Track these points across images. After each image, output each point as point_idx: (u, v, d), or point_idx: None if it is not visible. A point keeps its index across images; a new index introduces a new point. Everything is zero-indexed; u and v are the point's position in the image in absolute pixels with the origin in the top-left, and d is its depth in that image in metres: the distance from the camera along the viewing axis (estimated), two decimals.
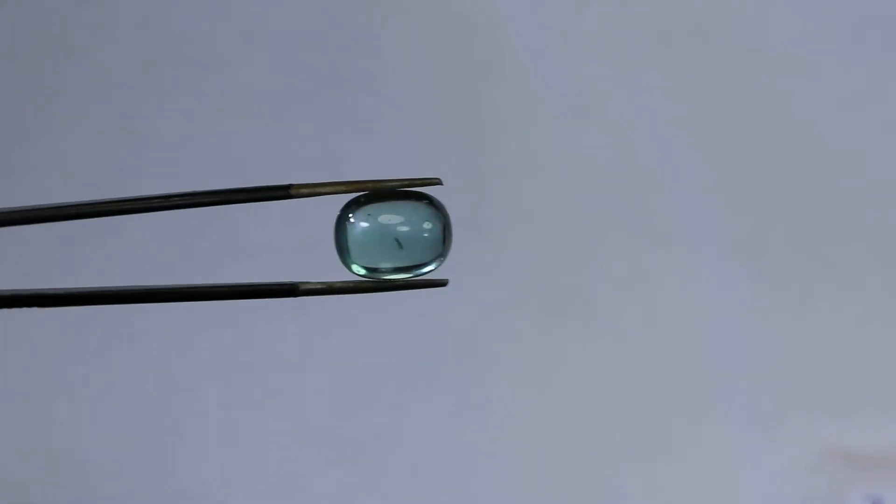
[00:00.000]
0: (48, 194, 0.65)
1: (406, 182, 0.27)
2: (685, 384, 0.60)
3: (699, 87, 0.64)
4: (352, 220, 0.26)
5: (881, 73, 0.63)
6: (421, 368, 0.61)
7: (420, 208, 0.27)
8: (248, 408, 0.60)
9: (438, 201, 0.27)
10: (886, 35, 0.63)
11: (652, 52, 0.64)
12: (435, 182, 0.27)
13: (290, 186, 0.27)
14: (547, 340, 0.62)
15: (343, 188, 0.27)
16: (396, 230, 0.26)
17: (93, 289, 0.25)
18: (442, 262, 0.27)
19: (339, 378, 0.60)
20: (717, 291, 0.62)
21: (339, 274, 0.27)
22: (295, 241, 0.57)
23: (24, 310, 0.25)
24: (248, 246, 0.59)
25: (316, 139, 0.65)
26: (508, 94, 0.65)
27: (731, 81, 0.64)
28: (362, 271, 0.27)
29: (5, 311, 0.25)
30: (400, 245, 0.26)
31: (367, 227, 0.26)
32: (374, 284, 0.27)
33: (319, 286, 0.26)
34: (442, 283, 0.27)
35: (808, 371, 0.60)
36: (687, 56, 0.64)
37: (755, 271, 0.61)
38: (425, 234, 0.26)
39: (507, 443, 0.61)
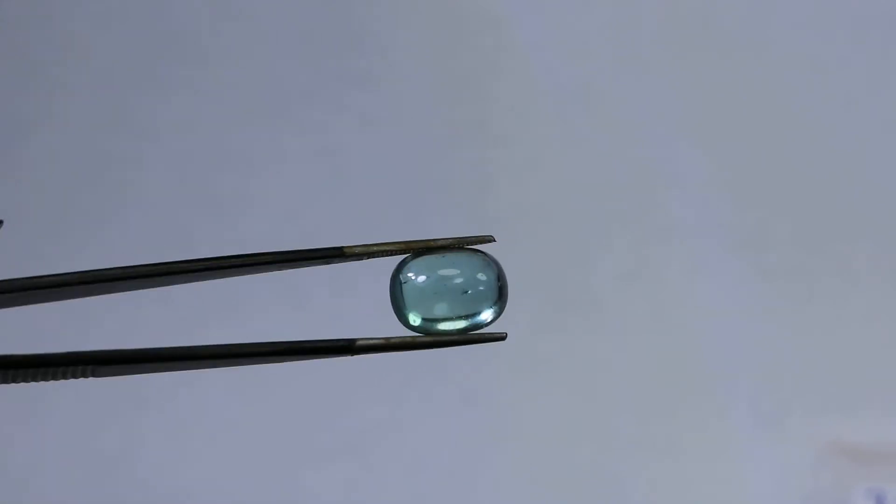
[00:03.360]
0: (47, 192, 0.65)
1: (458, 240, 0.27)
2: (688, 380, 0.60)
3: (703, 82, 0.64)
4: (408, 276, 0.27)
5: (886, 69, 0.64)
6: (422, 362, 0.60)
7: (473, 259, 0.27)
8: (245, 402, 0.59)
9: (489, 255, 0.27)
10: (890, 31, 0.64)
11: (656, 47, 0.65)
12: (488, 240, 0.27)
13: (342, 249, 0.27)
14: (550, 335, 0.61)
15: (394, 248, 0.27)
16: (452, 282, 0.27)
17: (146, 350, 0.25)
18: (498, 312, 0.27)
19: (339, 371, 0.59)
20: (721, 287, 0.62)
21: (394, 329, 0.27)
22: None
23: None
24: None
25: (317, 133, 0.65)
26: (511, 89, 0.65)
27: (735, 77, 0.64)
28: (419, 321, 0.27)
29: None
30: (447, 294, 0.27)
31: (424, 280, 0.27)
32: (430, 340, 0.27)
33: (377, 342, 0.26)
34: (501, 338, 0.27)
35: (811, 366, 0.60)
36: (691, 51, 0.64)
37: (759, 267, 0.61)
38: (480, 285, 0.27)
39: (509, 437, 0.60)
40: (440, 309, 0.27)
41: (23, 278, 0.26)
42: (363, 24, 0.66)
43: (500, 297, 0.27)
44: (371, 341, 0.26)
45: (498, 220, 0.63)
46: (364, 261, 0.27)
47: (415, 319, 0.27)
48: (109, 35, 0.66)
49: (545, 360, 0.62)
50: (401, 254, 0.27)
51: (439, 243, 0.27)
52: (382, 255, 0.27)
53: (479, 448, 0.60)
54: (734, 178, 0.63)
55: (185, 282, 0.26)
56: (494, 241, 0.27)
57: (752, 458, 0.58)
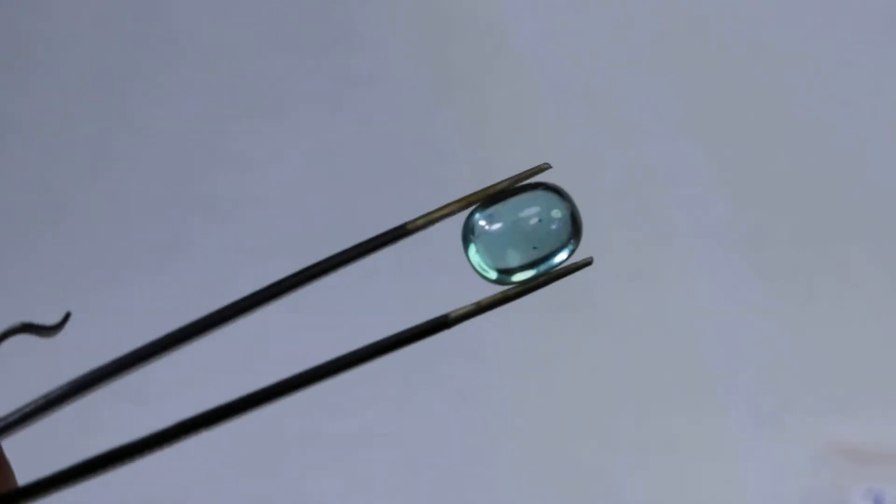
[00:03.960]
0: (48, 191, 0.66)
1: (515, 178, 0.26)
2: (687, 379, 0.60)
3: (702, 82, 0.63)
4: (480, 228, 0.26)
5: (884, 70, 0.62)
6: (419, 363, 0.60)
7: (540, 197, 0.26)
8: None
9: (557, 186, 0.26)
10: (888, 31, 0.62)
11: (655, 47, 0.64)
12: (544, 168, 0.26)
13: (404, 225, 0.26)
14: (548, 334, 0.61)
15: (456, 207, 0.26)
16: (528, 224, 0.25)
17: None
18: (576, 246, 0.26)
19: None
20: (720, 287, 0.61)
21: (477, 290, 0.26)
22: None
23: None
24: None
25: (314, 133, 0.64)
26: (509, 90, 0.64)
27: (734, 77, 0.63)
28: (494, 275, 0.26)
29: None
30: (524, 238, 0.26)
31: (498, 229, 0.26)
32: (520, 289, 0.26)
33: (470, 308, 0.25)
34: (587, 263, 0.26)
35: (810, 366, 0.60)
36: (690, 51, 0.63)
37: (758, 267, 0.61)
38: (554, 223, 0.26)
39: (507, 437, 0.60)
40: (512, 257, 0.26)
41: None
42: (360, 24, 0.64)
43: (575, 230, 0.26)
44: (463, 310, 0.25)
45: None
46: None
47: (491, 275, 0.26)
48: (103, 35, 0.65)
49: (543, 360, 0.61)
50: (463, 211, 0.26)
51: (498, 187, 0.26)
52: (446, 218, 0.26)
53: (477, 448, 0.60)
54: (734, 178, 0.61)
55: (252, 312, 0.25)
56: (550, 167, 0.26)
57: (750, 459, 0.58)
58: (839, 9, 0.63)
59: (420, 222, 0.26)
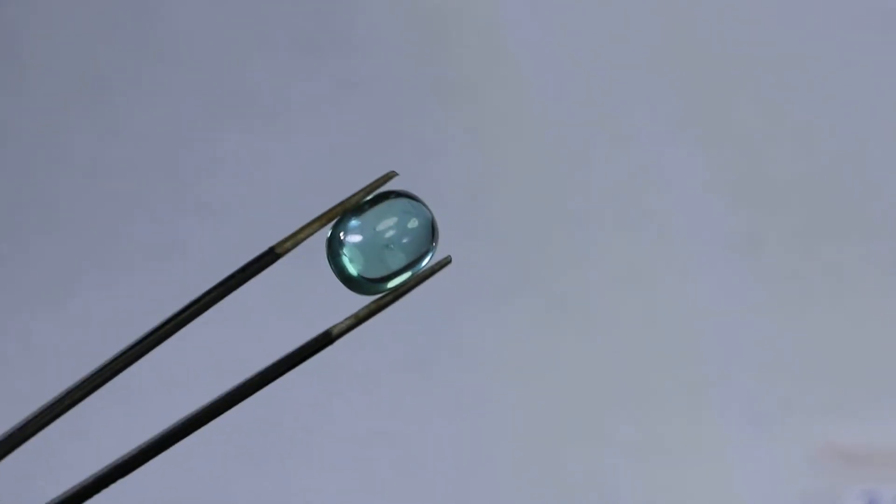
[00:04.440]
0: (41, 194, 0.63)
1: (366, 189, 0.27)
2: (683, 381, 0.60)
3: (699, 84, 0.64)
4: (343, 245, 0.26)
5: (879, 72, 0.63)
6: (415, 367, 0.60)
7: (397, 205, 0.27)
8: (236, 410, 0.59)
9: (410, 193, 0.27)
10: (882, 33, 0.64)
11: (650, 49, 0.64)
12: (391, 176, 0.27)
13: (272, 249, 0.26)
14: (544, 336, 0.61)
15: (318, 224, 0.26)
16: (385, 234, 0.26)
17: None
18: (435, 248, 0.27)
19: (333, 377, 0.59)
20: (715, 289, 0.62)
21: (352, 304, 0.27)
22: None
23: None
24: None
25: (308, 137, 0.63)
26: (505, 93, 0.64)
27: (731, 79, 0.64)
28: (366, 286, 0.27)
29: None
30: (390, 246, 0.26)
31: (359, 241, 0.26)
32: (392, 296, 0.26)
33: (350, 321, 0.26)
34: (447, 262, 0.27)
35: (805, 368, 0.60)
36: (685, 53, 0.64)
37: (754, 269, 0.61)
38: (416, 229, 0.27)
39: (502, 439, 0.61)
40: (385, 265, 0.26)
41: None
42: (352, 29, 0.62)
43: (434, 233, 0.27)
44: (344, 324, 0.26)
45: (490, 224, 0.61)
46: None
47: (362, 282, 0.26)
48: (96, 36, 0.61)
49: (539, 362, 0.61)
50: (327, 225, 0.27)
51: (353, 200, 0.27)
52: (312, 235, 0.27)
53: (472, 450, 0.60)
54: (730, 180, 0.62)
55: (144, 355, 0.25)
56: (397, 174, 0.27)
57: (745, 461, 0.57)
58: (834, 11, 0.64)
59: (288, 244, 0.26)
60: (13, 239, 0.62)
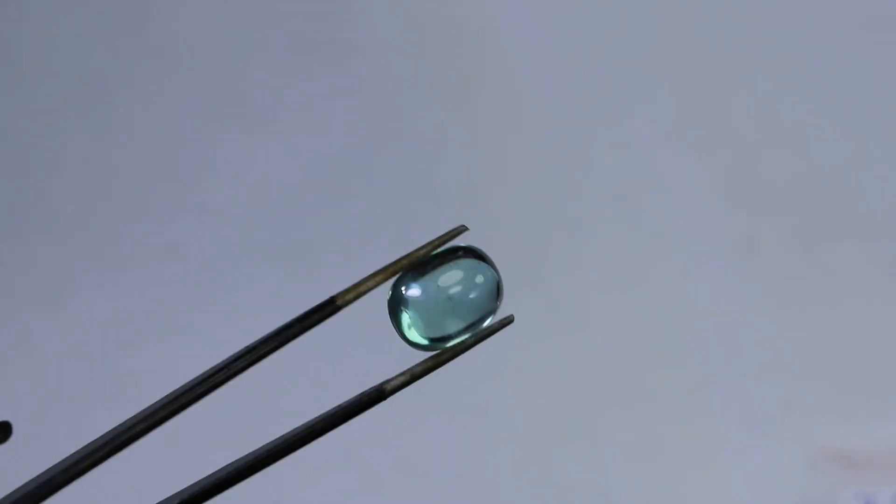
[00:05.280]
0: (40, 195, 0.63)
1: (435, 243, 0.26)
2: (679, 383, 0.60)
3: (695, 86, 0.63)
4: (409, 298, 0.26)
5: (874, 75, 0.63)
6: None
7: (464, 264, 0.26)
8: (233, 414, 0.59)
9: (479, 250, 0.26)
10: (878, 35, 0.63)
11: (647, 50, 0.63)
12: (461, 230, 0.26)
13: (332, 300, 0.26)
14: (539, 339, 0.61)
15: (382, 277, 0.26)
16: (449, 293, 0.26)
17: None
18: (498, 307, 0.26)
19: (330, 380, 0.59)
20: (711, 290, 0.61)
21: (408, 358, 0.26)
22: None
23: None
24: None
25: (305, 139, 0.63)
26: (501, 94, 0.63)
27: (726, 81, 0.63)
28: (427, 343, 0.26)
29: None
30: (453, 302, 0.26)
31: (422, 299, 0.26)
32: (450, 354, 0.26)
33: (404, 378, 0.26)
34: (509, 321, 0.26)
35: (802, 370, 0.60)
36: (682, 55, 0.63)
37: (750, 271, 0.61)
38: (479, 288, 0.26)
39: (499, 441, 0.60)
40: (447, 326, 0.26)
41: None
42: (349, 32, 0.61)
43: (498, 293, 0.26)
44: (398, 380, 0.26)
45: (488, 225, 0.60)
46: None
47: (422, 340, 0.26)
48: (93, 38, 0.61)
49: (536, 364, 0.60)
50: (391, 278, 0.26)
51: (419, 254, 0.26)
52: (375, 288, 0.26)
53: (468, 452, 0.59)
54: (726, 182, 0.61)
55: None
56: (467, 229, 0.27)
57: (742, 463, 0.57)
58: (831, 13, 0.63)
59: (349, 296, 0.26)
60: (12, 239, 0.62)
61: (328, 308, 0.26)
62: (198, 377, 0.24)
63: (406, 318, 0.26)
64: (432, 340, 0.26)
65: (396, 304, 0.26)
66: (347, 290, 0.26)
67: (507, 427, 0.60)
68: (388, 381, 0.26)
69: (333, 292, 0.26)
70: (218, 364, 0.25)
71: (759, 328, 0.61)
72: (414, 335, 0.26)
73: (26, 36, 0.65)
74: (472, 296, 0.26)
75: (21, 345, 0.60)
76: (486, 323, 0.26)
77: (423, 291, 0.26)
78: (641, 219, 0.63)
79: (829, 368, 0.61)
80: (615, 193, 0.63)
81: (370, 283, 0.26)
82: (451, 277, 0.26)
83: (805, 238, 0.62)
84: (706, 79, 0.64)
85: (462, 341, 0.26)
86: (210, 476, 0.24)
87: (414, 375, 0.26)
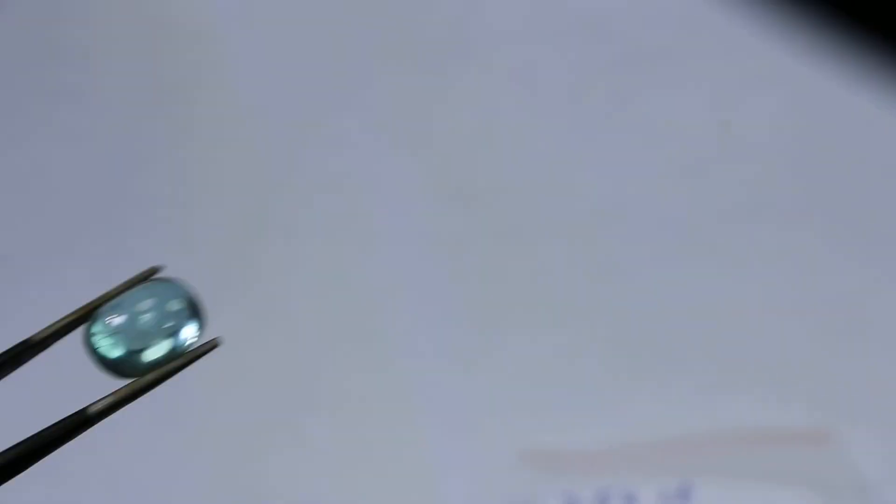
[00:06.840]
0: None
1: (127, 283, 0.27)
2: (382, 384, 0.57)
3: (405, 86, 0.65)
4: (98, 337, 0.26)
5: (580, 78, 0.67)
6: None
7: (150, 289, 0.27)
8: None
9: (169, 277, 0.27)
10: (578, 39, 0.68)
11: (360, 50, 0.67)
12: (154, 270, 0.27)
13: (27, 341, 0.26)
14: (242, 346, 0.59)
15: (75, 316, 0.27)
16: (141, 319, 0.26)
17: None
18: (201, 324, 0.27)
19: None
20: (419, 290, 0.61)
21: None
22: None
23: None
24: None
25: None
26: (210, 95, 0.65)
27: (437, 83, 0.66)
28: (124, 367, 0.26)
29: None
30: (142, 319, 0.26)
31: (119, 326, 0.26)
32: (156, 377, 0.26)
33: (110, 401, 0.25)
34: (215, 345, 0.27)
35: (504, 371, 0.58)
36: (395, 55, 0.67)
37: (456, 270, 0.60)
38: (173, 309, 0.27)
39: (199, 452, 0.56)
40: (141, 340, 0.26)
41: None
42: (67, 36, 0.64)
43: (194, 310, 0.27)
44: (103, 402, 0.25)
45: (197, 229, 0.60)
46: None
47: (118, 356, 0.26)
48: None
49: (238, 371, 0.59)
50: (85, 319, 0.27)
51: (113, 292, 0.27)
52: (72, 330, 0.27)
53: (169, 462, 0.56)
54: (436, 182, 0.64)
55: None
56: (162, 268, 0.28)
57: (446, 464, 0.56)
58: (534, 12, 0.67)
59: (44, 334, 0.26)
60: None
61: (19, 349, 0.26)
62: None
63: (99, 343, 0.26)
64: (130, 353, 0.26)
65: (92, 347, 0.26)
66: (42, 330, 0.26)
67: (206, 436, 0.55)
68: (92, 405, 0.25)
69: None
70: None
71: (463, 328, 0.59)
72: (107, 358, 0.26)
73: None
74: (165, 315, 0.26)
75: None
76: (187, 335, 0.27)
77: (115, 316, 0.26)
78: (353, 220, 0.62)
79: (532, 368, 0.58)
80: (327, 194, 0.63)
81: (61, 326, 0.26)
82: (143, 301, 0.27)
83: (512, 238, 0.62)
84: (419, 79, 0.66)
85: (168, 366, 0.26)
86: None
87: (121, 397, 0.26)
